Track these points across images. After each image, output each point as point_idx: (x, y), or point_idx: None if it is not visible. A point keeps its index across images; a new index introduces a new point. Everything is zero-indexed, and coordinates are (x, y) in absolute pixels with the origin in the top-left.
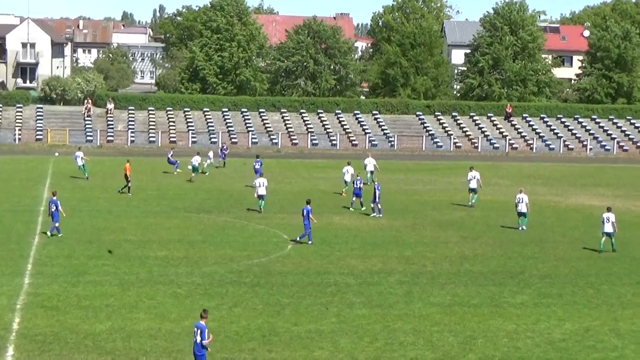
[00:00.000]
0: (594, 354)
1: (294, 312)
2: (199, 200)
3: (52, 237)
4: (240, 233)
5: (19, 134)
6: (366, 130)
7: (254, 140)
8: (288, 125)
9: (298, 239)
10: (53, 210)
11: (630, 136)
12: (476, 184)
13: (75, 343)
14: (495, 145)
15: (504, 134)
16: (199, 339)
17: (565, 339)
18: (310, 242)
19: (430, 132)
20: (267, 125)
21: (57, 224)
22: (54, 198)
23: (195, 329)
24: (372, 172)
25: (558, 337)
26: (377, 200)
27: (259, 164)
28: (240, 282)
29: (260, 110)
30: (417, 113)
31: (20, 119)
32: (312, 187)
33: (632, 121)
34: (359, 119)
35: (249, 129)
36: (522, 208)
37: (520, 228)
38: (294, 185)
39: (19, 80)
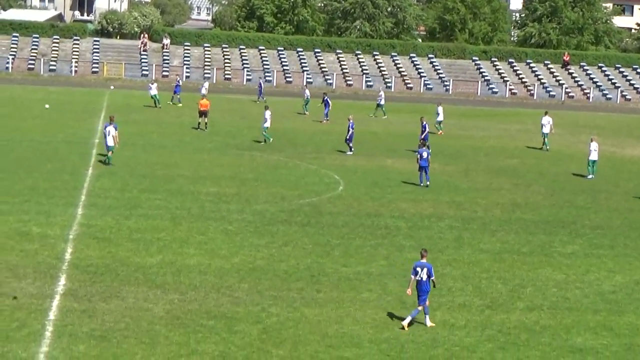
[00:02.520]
0: None
1: (344, 253)
2: (251, 138)
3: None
4: (292, 172)
5: (75, 67)
6: (421, 74)
7: (308, 80)
8: (343, 66)
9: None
10: (107, 135)
11: None
12: (549, 128)
13: (125, 275)
14: (551, 93)
15: (560, 82)
16: (424, 276)
17: (615, 291)
18: None
19: (485, 78)
20: (322, 65)
21: (109, 152)
22: (110, 123)
23: (420, 268)
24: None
25: (608, 289)
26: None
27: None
28: (290, 221)
29: (316, 50)
30: (473, 58)
31: (77, 52)
32: (365, 129)
33: None
34: (415, 62)
35: (304, 68)
36: (594, 156)
37: (589, 176)
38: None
39: (77, 12)
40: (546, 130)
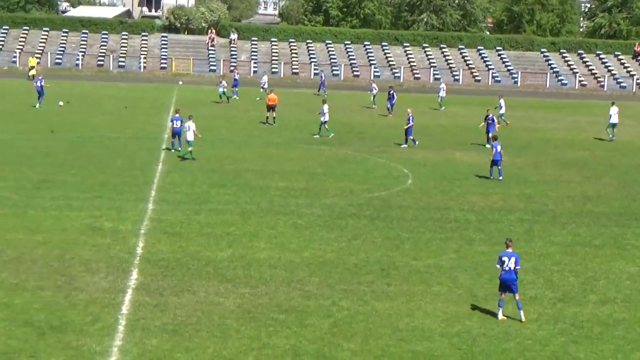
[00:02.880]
0: None
1: (413, 247)
2: (312, 132)
3: (178, 155)
4: (361, 166)
5: (144, 62)
6: (489, 66)
7: (376, 73)
8: (410, 59)
9: None
10: (176, 127)
11: None
12: (617, 118)
13: (196, 269)
14: (622, 84)
15: (631, 73)
16: (512, 266)
17: None
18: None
19: (554, 70)
20: (389, 58)
21: (173, 140)
22: (177, 115)
23: (507, 258)
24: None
25: None
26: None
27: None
28: (360, 215)
29: (383, 43)
30: (542, 50)
31: (146, 48)
32: (432, 122)
33: None
34: (482, 55)
35: (371, 62)
36: (614, 119)
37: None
38: (416, 120)
39: (145, 9)
40: (614, 120)
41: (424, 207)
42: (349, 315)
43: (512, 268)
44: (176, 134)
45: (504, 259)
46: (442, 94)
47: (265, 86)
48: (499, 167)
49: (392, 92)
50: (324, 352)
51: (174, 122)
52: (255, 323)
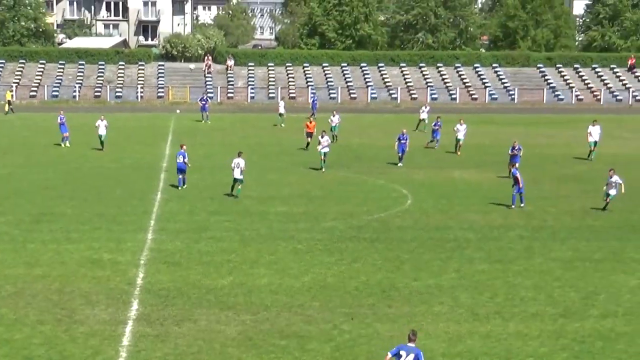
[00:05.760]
0: None
1: (414, 268)
2: (317, 155)
3: (178, 189)
4: (360, 188)
5: (141, 92)
6: (486, 84)
7: (373, 95)
8: (407, 80)
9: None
10: (179, 162)
11: None
12: (597, 136)
13: (197, 298)
14: (618, 97)
15: (627, 85)
16: None
17: None
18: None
19: (551, 85)
20: (386, 79)
21: (180, 176)
22: (182, 150)
23: (404, 353)
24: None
25: None
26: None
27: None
28: (359, 238)
29: (379, 64)
30: (538, 65)
31: (143, 77)
32: (415, 142)
33: None
34: (479, 72)
35: (368, 83)
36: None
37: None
38: (414, 140)
39: (141, 38)
40: (594, 138)
41: (424, 228)
42: (351, 338)
43: None
44: (181, 171)
45: (401, 352)
46: (424, 115)
47: (283, 111)
48: (522, 195)
49: (439, 121)
50: None
51: (178, 157)
52: (257, 350)
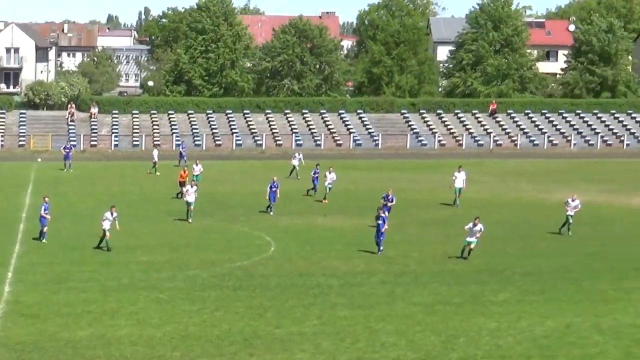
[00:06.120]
0: (575, 350)
1: (276, 315)
2: (182, 204)
3: (39, 241)
4: (224, 236)
5: (2, 140)
6: (350, 130)
7: (238, 142)
8: (272, 126)
9: None
10: (42, 213)
11: (614, 130)
12: (462, 183)
13: (54, 351)
14: (479, 142)
15: (488, 130)
16: None
17: (547, 336)
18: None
19: (414, 131)
20: (251, 126)
21: (42, 229)
22: (45, 202)
23: None
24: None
25: (540, 334)
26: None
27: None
28: (222, 286)
29: (245, 111)
30: (402, 111)
31: (3, 125)
32: (296, 188)
33: (616, 115)
34: (344, 119)
35: (233, 130)
36: (570, 212)
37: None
38: (285, 186)
39: (3, 85)
40: (459, 184)
41: (287, 274)
42: None
43: None
44: (42, 223)
45: None
46: (296, 162)
47: (157, 159)
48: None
49: (317, 169)
50: None
51: (40, 209)
52: None
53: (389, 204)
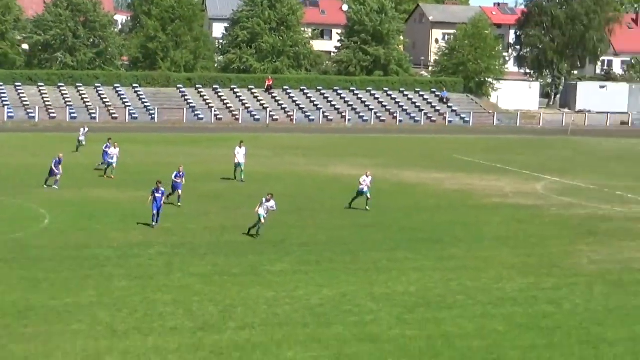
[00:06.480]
0: (351, 317)
1: (51, 286)
2: None
3: None
4: None
5: None
6: (126, 104)
7: (9, 114)
8: (45, 99)
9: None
10: None
11: (387, 107)
12: (243, 158)
13: None
14: (256, 117)
15: (264, 106)
16: None
17: (323, 304)
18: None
19: (191, 105)
20: (23, 99)
21: None
22: None
23: None
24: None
25: (316, 303)
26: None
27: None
28: None
29: (17, 84)
30: (179, 86)
31: None
32: (71, 161)
33: (389, 93)
34: (119, 93)
35: (5, 103)
36: (365, 188)
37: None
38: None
39: None
40: (240, 159)
41: (62, 247)
42: None
43: None
44: None
45: None
46: (82, 137)
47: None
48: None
49: (109, 144)
50: None
51: None
52: None
53: (180, 180)
